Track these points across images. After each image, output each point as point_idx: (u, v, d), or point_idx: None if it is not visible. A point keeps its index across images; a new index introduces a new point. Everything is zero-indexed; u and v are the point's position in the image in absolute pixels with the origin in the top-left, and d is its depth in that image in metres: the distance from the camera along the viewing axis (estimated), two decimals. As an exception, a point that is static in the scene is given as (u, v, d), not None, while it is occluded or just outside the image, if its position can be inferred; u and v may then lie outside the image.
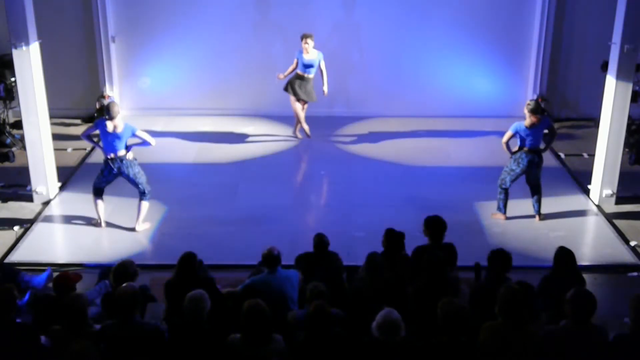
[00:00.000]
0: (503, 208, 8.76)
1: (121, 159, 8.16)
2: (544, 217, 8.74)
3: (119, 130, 8.04)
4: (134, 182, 8.32)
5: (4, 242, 8.16)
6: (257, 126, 11.83)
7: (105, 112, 8.10)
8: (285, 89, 10.89)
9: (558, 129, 11.74)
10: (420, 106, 12.06)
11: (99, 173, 8.33)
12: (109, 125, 8.03)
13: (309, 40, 10.59)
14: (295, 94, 10.83)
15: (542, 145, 8.54)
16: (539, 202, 8.70)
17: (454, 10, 11.74)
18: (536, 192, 8.67)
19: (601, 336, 4.98)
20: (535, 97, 11.86)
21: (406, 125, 11.84)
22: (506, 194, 8.70)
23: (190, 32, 11.85)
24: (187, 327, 5.15)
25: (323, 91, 10.90)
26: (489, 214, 8.87)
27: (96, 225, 8.52)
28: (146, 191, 8.34)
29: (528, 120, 8.34)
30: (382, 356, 4.93)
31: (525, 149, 8.44)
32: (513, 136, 8.49)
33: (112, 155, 8.15)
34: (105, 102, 11.66)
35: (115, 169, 8.20)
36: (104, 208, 8.50)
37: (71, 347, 4.62)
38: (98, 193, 8.40)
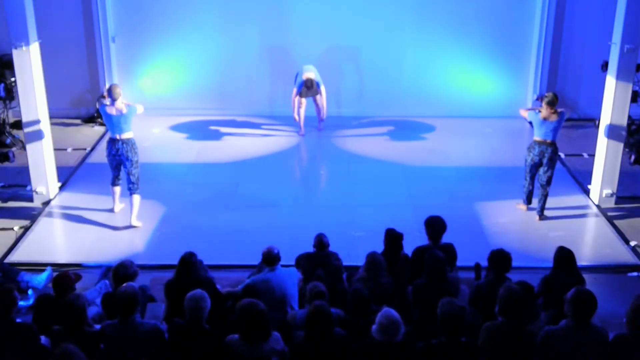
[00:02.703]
0: (525, 199, 8.87)
1: (124, 142, 8.24)
2: (544, 217, 8.74)
3: (124, 111, 8.17)
4: (128, 171, 8.37)
5: (4, 242, 8.16)
6: (257, 126, 11.82)
7: (107, 94, 8.28)
8: (302, 95, 11.06)
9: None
10: (420, 106, 12.05)
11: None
12: (111, 109, 8.16)
13: (308, 85, 10.81)
14: (303, 95, 11.02)
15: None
16: (542, 201, 8.69)
17: (454, 10, 11.72)
18: (543, 189, 8.65)
19: (601, 336, 4.98)
20: (535, 96, 11.88)
21: (406, 125, 11.84)
22: (528, 186, 8.77)
23: (190, 32, 11.83)
24: (187, 327, 5.15)
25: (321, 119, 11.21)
26: (489, 213, 8.87)
27: (112, 211, 8.78)
28: (136, 185, 8.40)
29: (544, 111, 8.38)
30: (382, 357, 4.93)
31: (537, 139, 8.48)
32: (527, 116, 8.58)
33: (117, 136, 8.24)
34: (106, 101, 11.72)
35: (115, 150, 8.29)
36: (119, 194, 8.70)
37: (56, 350, 4.61)
38: (112, 181, 8.65)
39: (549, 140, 8.44)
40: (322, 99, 11.01)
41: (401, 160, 10.54)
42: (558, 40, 11.83)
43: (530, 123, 8.64)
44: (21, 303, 5.63)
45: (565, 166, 10.41)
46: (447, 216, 6.82)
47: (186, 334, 5.13)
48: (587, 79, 11.78)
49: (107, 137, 8.47)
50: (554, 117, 8.38)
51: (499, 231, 8.47)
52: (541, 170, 8.57)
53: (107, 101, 8.25)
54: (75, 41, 11.84)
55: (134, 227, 8.44)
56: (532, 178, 8.72)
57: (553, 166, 8.56)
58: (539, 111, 8.48)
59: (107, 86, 8.35)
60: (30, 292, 6.95)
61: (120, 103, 8.18)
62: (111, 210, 8.81)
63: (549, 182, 8.59)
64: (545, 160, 8.48)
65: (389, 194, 9.48)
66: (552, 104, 8.36)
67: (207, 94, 12.12)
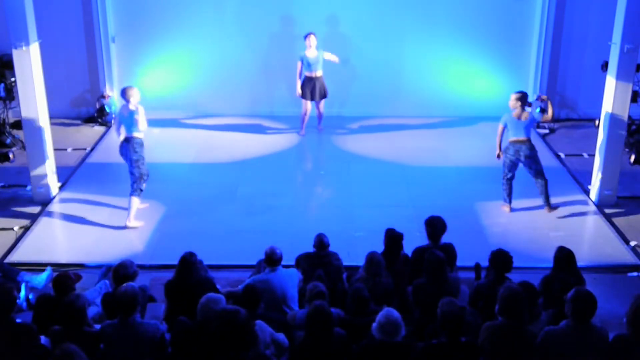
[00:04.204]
0: (507, 198, 8.92)
1: (128, 140, 8.31)
2: (554, 209, 8.81)
3: (132, 108, 8.28)
4: (129, 170, 8.37)
5: (4, 242, 8.16)
6: (257, 126, 11.82)
7: (121, 95, 8.40)
8: (303, 96, 11.01)
9: (558, 129, 11.83)
10: (420, 106, 12.07)
11: None
12: (125, 108, 8.30)
13: (312, 38, 10.73)
14: (312, 98, 11.00)
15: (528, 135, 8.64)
16: (543, 193, 8.79)
17: (454, 10, 11.73)
18: (539, 183, 8.76)
19: (601, 336, 4.98)
20: (535, 96, 11.90)
21: (406, 125, 11.84)
22: (508, 186, 8.86)
23: (190, 32, 11.84)
24: (196, 326, 5.12)
25: (337, 61, 11.03)
26: (489, 213, 8.88)
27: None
28: (135, 186, 8.36)
29: (518, 111, 8.59)
30: (382, 357, 4.93)
31: (513, 139, 8.65)
32: (504, 129, 8.74)
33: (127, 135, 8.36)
34: (106, 101, 11.74)
35: (120, 149, 8.40)
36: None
37: (56, 350, 4.61)
38: None
39: (522, 138, 8.58)
40: (326, 56, 10.96)
41: (401, 160, 10.55)
42: (558, 40, 11.84)
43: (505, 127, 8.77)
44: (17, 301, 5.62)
45: (565, 166, 10.42)
46: (447, 216, 6.82)
47: (193, 335, 5.09)
48: (587, 79, 11.79)
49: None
50: (525, 116, 8.56)
51: (499, 231, 8.48)
52: (526, 166, 8.68)
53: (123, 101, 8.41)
54: (75, 41, 11.84)
55: (128, 227, 8.43)
56: (511, 179, 8.81)
57: (532, 157, 8.65)
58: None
59: (122, 88, 8.51)
60: (31, 296, 6.93)
61: (132, 105, 8.26)
62: (115, 211, 8.81)
63: (538, 174, 8.70)
64: (522, 157, 8.61)
65: (389, 194, 9.48)
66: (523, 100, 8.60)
67: (207, 94, 12.13)
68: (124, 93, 8.33)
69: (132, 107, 8.24)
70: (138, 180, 8.36)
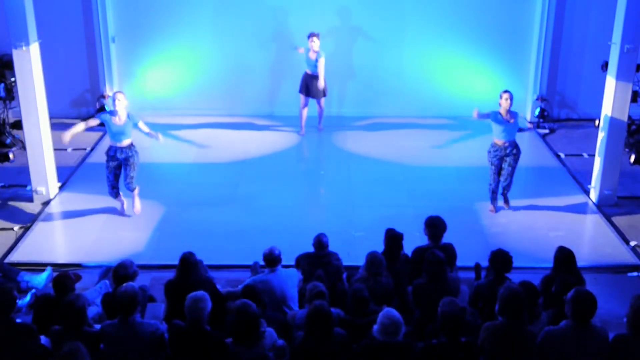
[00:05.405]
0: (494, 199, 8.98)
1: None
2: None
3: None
4: (131, 174, 8.49)
5: (4, 242, 8.16)
6: (257, 126, 11.82)
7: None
8: (300, 91, 11.04)
9: (558, 129, 11.82)
10: (420, 106, 12.05)
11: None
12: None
13: (314, 39, 10.69)
14: (307, 94, 11.01)
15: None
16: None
17: (454, 10, 11.72)
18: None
19: (601, 336, 4.98)
20: (535, 96, 11.92)
21: (406, 125, 11.84)
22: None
23: (190, 32, 11.83)
24: (187, 328, 5.14)
25: (319, 86, 10.91)
26: (489, 214, 8.87)
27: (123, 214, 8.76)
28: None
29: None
30: (383, 357, 4.93)
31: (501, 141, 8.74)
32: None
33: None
34: (106, 101, 11.74)
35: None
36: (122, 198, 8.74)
37: (61, 349, 4.61)
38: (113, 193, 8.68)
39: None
40: (320, 66, 10.80)
41: (401, 160, 10.54)
42: (558, 40, 11.83)
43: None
44: (18, 302, 5.63)
45: (565, 166, 10.42)
46: (447, 216, 6.82)
47: (186, 336, 5.12)
48: (587, 79, 11.79)
49: (107, 137, 8.48)
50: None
51: (499, 231, 8.48)
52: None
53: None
54: (75, 41, 11.83)
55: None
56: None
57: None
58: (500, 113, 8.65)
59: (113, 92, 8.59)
60: (33, 290, 6.94)
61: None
62: (115, 211, 8.84)
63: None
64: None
65: (389, 194, 9.48)
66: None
67: (207, 94, 12.11)
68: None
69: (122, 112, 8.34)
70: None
